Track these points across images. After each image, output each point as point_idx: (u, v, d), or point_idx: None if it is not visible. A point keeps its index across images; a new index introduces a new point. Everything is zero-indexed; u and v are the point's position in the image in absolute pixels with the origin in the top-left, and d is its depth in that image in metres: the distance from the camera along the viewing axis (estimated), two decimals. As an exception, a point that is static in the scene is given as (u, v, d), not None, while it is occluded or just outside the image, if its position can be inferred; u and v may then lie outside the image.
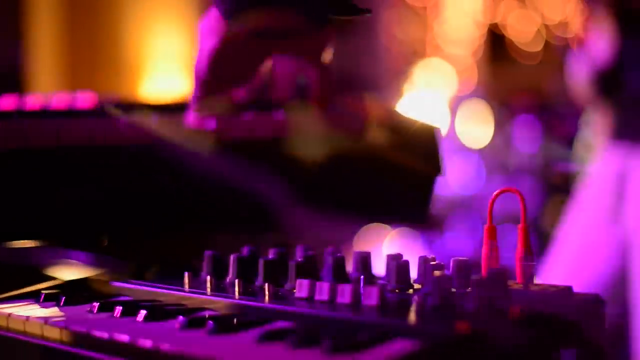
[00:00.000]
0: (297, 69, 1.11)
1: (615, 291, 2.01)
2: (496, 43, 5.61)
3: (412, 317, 0.77)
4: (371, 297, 0.79)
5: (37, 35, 4.78)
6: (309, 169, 1.05)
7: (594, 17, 2.04)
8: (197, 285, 0.92)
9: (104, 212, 1.03)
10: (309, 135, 1.06)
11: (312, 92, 1.09)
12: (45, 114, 1.14)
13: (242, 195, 1.06)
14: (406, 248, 4.22)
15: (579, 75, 2.09)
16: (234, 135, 1.04)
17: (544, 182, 4.34)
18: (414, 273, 0.90)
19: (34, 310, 0.90)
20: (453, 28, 5.62)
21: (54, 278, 1.04)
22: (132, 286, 0.95)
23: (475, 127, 4.77)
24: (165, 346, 0.73)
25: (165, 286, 0.92)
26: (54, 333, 0.83)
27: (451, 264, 0.87)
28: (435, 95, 5.07)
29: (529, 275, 0.87)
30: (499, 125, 4.74)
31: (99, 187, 1.01)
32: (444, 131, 4.12)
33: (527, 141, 4.54)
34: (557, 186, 4.24)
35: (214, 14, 1.02)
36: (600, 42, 2.01)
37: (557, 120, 4.46)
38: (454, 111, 4.87)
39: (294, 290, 0.85)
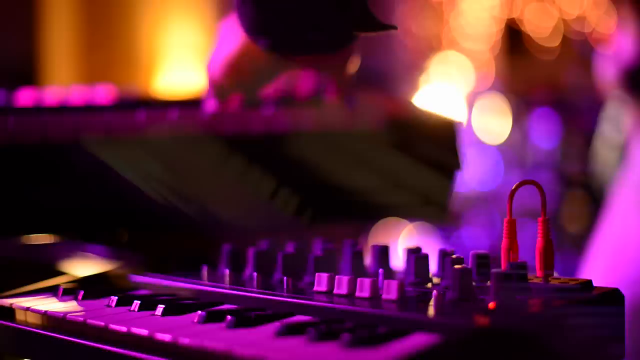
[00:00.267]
0: (319, 80, 1.10)
1: None
2: (513, 37, 5.59)
3: (431, 310, 0.76)
4: (391, 291, 0.78)
5: (52, 28, 4.79)
6: (327, 164, 1.05)
7: (621, 15, 2.03)
8: (215, 278, 0.92)
9: (123, 206, 1.03)
10: (328, 131, 1.05)
11: (331, 93, 1.09)
12: (63, 109, 1.14)
13: (260, 189, 1.06)
14: (423, 242, 4.20)
15: (607, 73, 2.07)
16: (253, 129, 1.03)
17: (561, 177, 4.32)
18: (431, 267, 0.90)
19: (52, 304, 0.90)
20: (469, 22, 5.60)
21: (71, 272, 1.04)
22: (150, 280, 0.95)
23: (492, 122, 4.76)
24: (184, 340, 0.73)
25: (184, 279, 0.92)
26: (72, 327, 0.83)
27: (470, 258, 0.87)
28: (451, 89, 5.06)
29: (549, 267, 0.87)
30: (517, 120, 4.72)
31: (118, 181, 1.01)
32: (463, 125, 4.10)
33: (544, 136, 4.52)
34: (575, 181, 4.23)
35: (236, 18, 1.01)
36: (626, 40, 1.99)
37: (575, 115, 4.43)
38: (471, 106, 4.86)
39: (313, 284, 0.84)
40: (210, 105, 1.07)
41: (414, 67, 5.30)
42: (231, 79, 1.02)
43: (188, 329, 0.76)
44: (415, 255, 0.88)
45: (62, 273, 1.04)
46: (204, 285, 0.89)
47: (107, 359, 0.78)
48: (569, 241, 3.90)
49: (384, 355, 0.66)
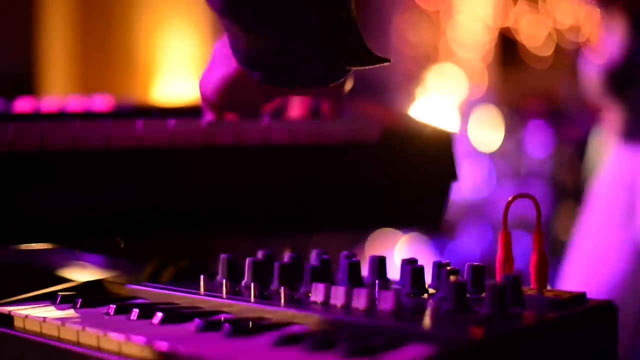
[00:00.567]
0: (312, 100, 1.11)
1: (629, 296, 2.00)
2: (507, 47, 5.61)
3: (427, 322, 0.77)
4: (387, 302, 0.79)
5: (50, 38, 4.79)
6: (323, 174, 1.06)
7: (607, 16, 2.04)
8: (212, 288, 0.92)
9: (120, 215, 1.03)
10: (324, 142, 1.06)
11: (324, 109, 1.10)
12: (62, 117, 1.15)
13: (256, 199, 1.06)
14: (416, 253, 4.22)
15: (591, 75, 2.08)
16: (252, 139, 1.04)
17: (555, 187, 4.33)
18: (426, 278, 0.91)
19: (50, 312, 0.90)
20: (466, 32, 5.62)
21: (69, 280, 1.05)
22: (148, 289, 0.95)
23: (485, 131, 4.77)
24: (181, 349, 0.73)
25: (181, 289, 0.93)
26: (71, 335, 0.83)
27: (466, 269, 0.88)
28: (446, 99, 5.07)
29: (544, 280, 0.88)
30: (510, 130, 4.74)
31: (115, 189, 1.02)
32: (457, 135, 4.12)
33: (538, 146, 4.54)
34: (568, 191, 4.24)
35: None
36: (612, 41, 2.00)
37: (569, 124, 4.45)
38: (464, 115, 4.87)
39: (309, 294, 0.85)
40: (208, 116, 1.08)
41: (411, 78, 5.31)
42: (223, 101, 1.02)
43: (186, 338, 0.77)
44: (412, 267, 0.89)
45: (59, 281, 1.04)
46: (202, 295, 0.90)
47: (106, 367, 0.79)
48: (561, 251, 3.91)
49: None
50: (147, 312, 0.85)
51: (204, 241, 1.24)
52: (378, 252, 0.97)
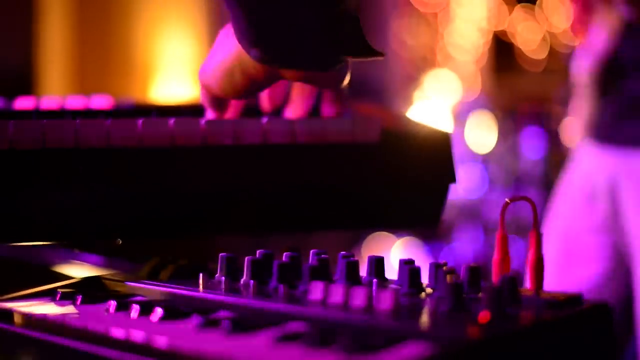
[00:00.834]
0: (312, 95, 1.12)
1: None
2: (502, 50, 5.62)
3: (425, 321, 0.78)
4: (385, 301, 0.80)
5: (48, 39, 4.80)
6: (322, 174, 1.06)
7: (596, 6, 2.04)
8: (212, 286, 0.93)
9: (119, 213, 1.04)
10: (324, 142, 1.07)
11: (326, 106, 1.11)
12: (62, 115, 1.15)
13: (255, 198, 1.07)
14: (411, 257, 4.22)
15: (581, 67, 2.08)
16: (251, 138, 1.05)
17: (548, 190, 4.34)
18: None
19: (50, 309, 0.91)
20: (462, 35, 5.63)
21: (68, 277, 1.05)
22: (147, 286, 0.96)
23: (479, 134, 4.78)
24: (182, 346, 0.74)
25: (180, 287, 0.93)
26: (71, 332, 0.84)
27: (463, 270, 0.89)
28: (441, 102, 5.08)
29: (540, 282, 0.88)
30: (504, 133, 4.75)
31: (115, 187, 1.02)
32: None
33: (531, 149, 4.55)
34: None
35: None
36: (602, 31, 2.00)
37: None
38: (459, 118, 4.88)
39: (308, 293, 0.86)
40: (208, 114, 1.09)
41: (408, 81, 5.32)
42: (222, 85, 1.03)
43: (187, 335, 0.78)
44: (409, 267, 0.90)
45: (58, 278, 1.05)
46: (201, 293, 0.91)
47: (106, 364, 0.79)
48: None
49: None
50: (148, 309, 0.86)
51: (203, 240, 1.25)
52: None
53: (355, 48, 0.97)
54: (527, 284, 0.91)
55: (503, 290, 0.80)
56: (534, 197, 4.26)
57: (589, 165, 2.07)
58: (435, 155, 1.09)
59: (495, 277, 0.89)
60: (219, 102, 1.08)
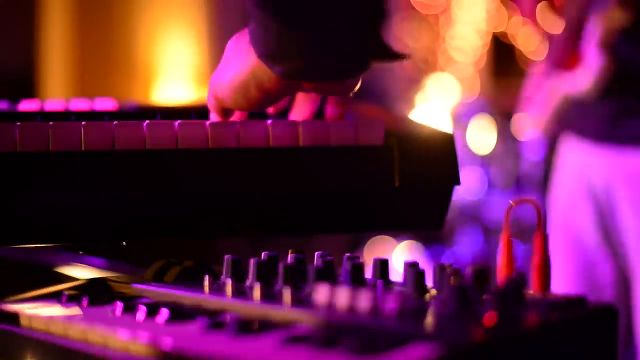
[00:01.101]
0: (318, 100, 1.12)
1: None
2: (502, 52, 5.63)
3: (431, 323, 0.78)
4: (391, 303, 0.80)
5: (49, 41, 4.80)
6: (327, 176, 1.07)
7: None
8: (217, 288, 0.93)
9: (123, 215, 1.04)
10: (328, 145, 1.07)
11: (330, 105, 1.11)
12: (67, 117, 1.16)
13: (258, 201, 1.07)
14: (412, 260, 4.23)
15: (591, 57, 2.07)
16: (255, 140, 1.05)
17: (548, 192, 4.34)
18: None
19: (57, 311, 0.91)
20: (463, 38, 5.64)
21: (73, 279, 1.05)
22: (153, 288, 0.96)
23: (479, 136, 4.79)
24: (189, 348, 0.74)
25: (186, 289, 0.94)
26: (77, 333, 0.84)
27: (468, 271, 0.89)
28: (442, 104, 5.09)
29: (545, 284, 0.89)
30: (503, 134, 4.75)
31: (119, 189, 1.02)
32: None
33: (531, 150, 4.55)
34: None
35: (246, 37, 1.01)
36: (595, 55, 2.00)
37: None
38: (459, 120, 4.88)
39: (313, 295, 0.86)
40: (213, 117, 1.09)
41: (410, 84, 5.32)
42: (235, 99, 1.03)
43: (194, 337, 0.78)
44: (414, 269, 0.90)
45: (64, 280, 1.05)
46: (207, 295, 0.91)
47: (113, 366, 0.79)
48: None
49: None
50: (154, 310, 0.86)
51: (204, 242, 1.25)
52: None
53: (380, 52, 0.98)
54: (531, 285, 0.91)
55: (508, 292, 0.81)
56: (534, 199, 4.26)
57: (584, 163, 2.07)
58: (439, 157, 1.09)
59: (500, 279, 0.89)
60: (227, 111, 1.08)
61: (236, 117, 1.11)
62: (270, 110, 1.17)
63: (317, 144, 1.06)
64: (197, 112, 1.18)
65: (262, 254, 0.97)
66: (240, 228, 1.09)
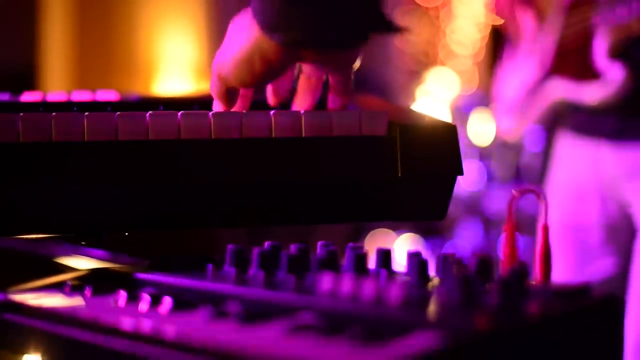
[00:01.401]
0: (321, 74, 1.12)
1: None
2: (501, 44, 5.62)
3: (435, 312, 0.78)
4: (394, 292, 0.80)
5: (50, 37, 4.80)
6: (330, 166, 1.07)
7: None
8: (220, 277, 0.93)
9: (125, 205, 1.04)
10: (331, 135, 1.07)
11: (332, 95, 1.11)
12: (70, 108, 1.16)
13: (260, 191, 1.07)
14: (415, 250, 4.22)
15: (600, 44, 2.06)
16: (258, 131, 1.05)
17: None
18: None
19: (60, 301, 0.91)
20: (464, 31, 5.64)
21: (75, 270, 1.05)
22: (156, 278, 0.96)
23: (479, 128, 4.78)
24: (194, 336, 0.75)
25: (189, 278, 0.94)
26: (82, 323, 0.84)
27: (472, 261, 0.89)
28: (443, 97, 5.09)
29: (548, 274, 0.89)
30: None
31: (121, 180, 1.02)
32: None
33: (531, 142, 4.54)
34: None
35: (247, 15, 1.03)
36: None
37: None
38: (459, 111, 4.88)
39: (317, 284, 0.86)
40: (216, 107, 1.09)
41: (411, 76, 5.32)
42: (239, 75, 1.04)
43: (198, 326, 0.78)
44: (417, 259, 0.91)
45: (65, 271, 1.05)
46: (211, 283, 0.91)
47: (117, 355, 0.79)
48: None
49: (397, 352, 0.68)
50: (158, 300, 0.86)
51: (206, 233, 1.25)
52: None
53: (380, 24, 1.00)
54: (534, 275, 0.92)
55: (512, 282, 0.81)
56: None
57: (592, 160, 2.07)
58: (441, 148, 1.09)
59: (503, 268, 0.90)
60: (230, 94, 1.08)
61: (238, 106, 1.11)
62: (273, 100, 1.16)
63: (320, 134, 1.06)
64: (200, 103, 1.18)
65: (265, 243, 0.97)
66: (242, 218, 1.09)
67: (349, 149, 1.06)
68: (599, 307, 0.84)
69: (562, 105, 2.12)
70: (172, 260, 1.01)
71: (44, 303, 0.90)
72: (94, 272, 1.02)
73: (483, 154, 4.73)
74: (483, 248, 4.46)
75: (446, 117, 4.82)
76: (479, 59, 5.72)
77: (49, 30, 4.80)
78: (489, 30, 5.69)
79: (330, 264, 0.91)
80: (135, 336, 0.79)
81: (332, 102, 1.12)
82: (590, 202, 2.07)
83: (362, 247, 0.94)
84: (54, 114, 1.01)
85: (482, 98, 4.99)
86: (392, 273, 0.93)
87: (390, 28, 1.01)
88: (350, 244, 0.94)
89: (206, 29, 5.06)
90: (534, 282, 0.89)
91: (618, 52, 1.95)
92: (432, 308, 0.80)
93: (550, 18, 2.15)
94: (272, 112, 1.06)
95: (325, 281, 0.84)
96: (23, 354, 0.90)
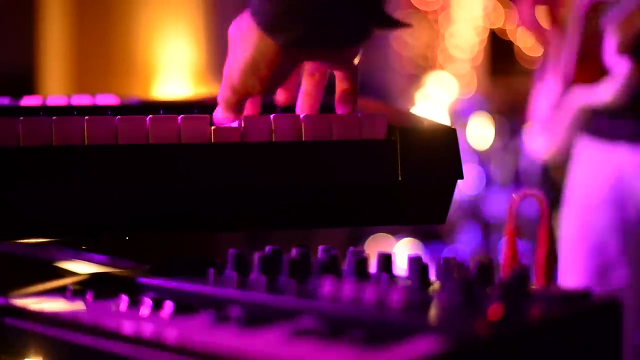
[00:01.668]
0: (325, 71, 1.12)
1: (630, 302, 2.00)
2: (500, 49, 5.63)
3: (436, 316, 0.78)
4: (396, 296, 0.80)
5: (48, 39, 4.80)
6: (330, 170, 1.07)
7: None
8: (222, 281, 0.93)
9: (126, 209, 1.04)
10: (333, 139, 1.07)
11: (338, 95, 1.11)
12: (70, 112, 1.16)
13: (260, 195, 1.07)
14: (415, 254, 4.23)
15: (611, 44, 2.06)
16: (258, 135, 1.05)
17: (547, 188, 4.34)
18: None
19: (61, 305, 0.91)
20: (463, 35, 5.64)
21: (75, 275, 1.05)
22: (157, 282, 0.96)
23: (478, 132, 4.79)
24: (196, 341, 0.75)
25: (190, 282, 0.94)
26: (84, 328, 0.84)
27: (472, 264, 0.89)
28: (442, 101, 5.09)
29: (549, 278, 0.89)
30: (502, 130, 4.75)
31: (122, 184, 1.02)
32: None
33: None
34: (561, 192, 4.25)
35: (246, 18, 1.03)
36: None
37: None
38: (458, 115, 4.88)
39: (319, 288, 0.86)
40: (218, 118, 1.09)
41: (410, 80, 5.33)
42: (247, 81, 1.04)
43: (200, 330, 0.78)
44: (418, 262, 0.91)
45: (66, 275, 1.05)
46: (211, 288, 0.91)
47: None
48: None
49: (398, 356, 0.68)
50: (159, 304, 0.86)
51: (205, 237, 1.25)
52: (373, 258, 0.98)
53: (380, 20, 1.01)
54: (535, 279, 0.92)
55: (513, 285, 0.81)
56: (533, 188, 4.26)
57: (612, 164, 2.06)
58: (442, 151, 1.09)
59: (504, 272, 0.90)
60: (239, 104, 1.08)
61: (249, 111, 1.11)
62: (282, 99, 1.16)
63: (320, 138, 1.06)
64: (200, 107, 1.18)
65: (266, 248, 0.97)
66: (242, 222, 1.09)
67: (349, 152, 1.06)
68: (599, 311, 0.84)
69: (584, 113, 2.11)
70: (173, 265, 1.00)
71: (45, 307, 0.90)
72: (95, 276, 1.02)
73: (482, 158, 4.73)
74: (483, 252, 4.46)
75: (445, 120, 4.82)
76: (478, 62, 5.73)
77: (47, 33, 4.80)
78: (487, 34, 5.71)
79: (332, 268, 0.91)
80: (136, 340, 0.79)
81: (339, 109, 1.12)
82: (607, 207, 2.07)
83: (363, 252, 0.94)
84: (54, 118, 1.01)
85: (482, 102, 4.99)
86: (393, 277, 0.93)
87: (391, 23, 1.01)
88: (351, 248, 0.94)
89: (205, 32, 5.06)
90: (535, 286, 0.89)
91: (628, 49, 1.95)
92: (434, 312, 0.80)
93: (569, 30, 2.14)
94: (272, 116, 1.06)
95: (327, 285, 0.84)
96: (24, 358, 0.90)
